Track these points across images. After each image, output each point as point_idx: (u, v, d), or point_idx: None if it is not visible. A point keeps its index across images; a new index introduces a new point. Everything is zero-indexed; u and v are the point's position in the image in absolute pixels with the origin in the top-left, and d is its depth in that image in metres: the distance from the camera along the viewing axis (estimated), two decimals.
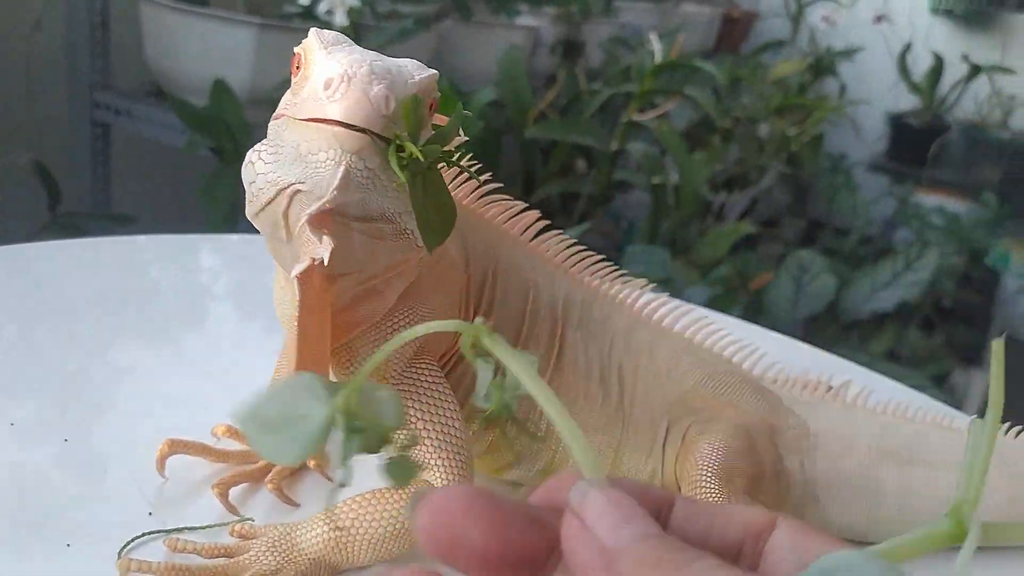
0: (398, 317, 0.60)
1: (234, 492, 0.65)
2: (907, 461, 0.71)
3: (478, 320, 0.29)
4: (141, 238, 1.17)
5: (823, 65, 3.72)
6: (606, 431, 0.69)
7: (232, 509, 0.63)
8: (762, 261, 3.12)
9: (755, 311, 2.68)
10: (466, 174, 0.69)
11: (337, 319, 0.57)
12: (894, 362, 2.54)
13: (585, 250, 0.76)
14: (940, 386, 2.63)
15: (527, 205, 0.74)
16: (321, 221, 0.50)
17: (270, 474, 0.66)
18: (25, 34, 2.19)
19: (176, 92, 2.18)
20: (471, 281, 0.67)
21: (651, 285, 0.77)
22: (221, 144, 2.02)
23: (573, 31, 3.60)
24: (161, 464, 0.65)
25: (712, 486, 0.62)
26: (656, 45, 2.67)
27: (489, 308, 0.68)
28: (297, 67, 0.53)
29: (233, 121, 2.02)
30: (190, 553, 0.57)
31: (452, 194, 0.69)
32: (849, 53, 3.71)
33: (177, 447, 0.66)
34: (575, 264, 0.75)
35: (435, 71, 0.54)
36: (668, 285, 2.07)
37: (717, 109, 3.18)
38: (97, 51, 2.45)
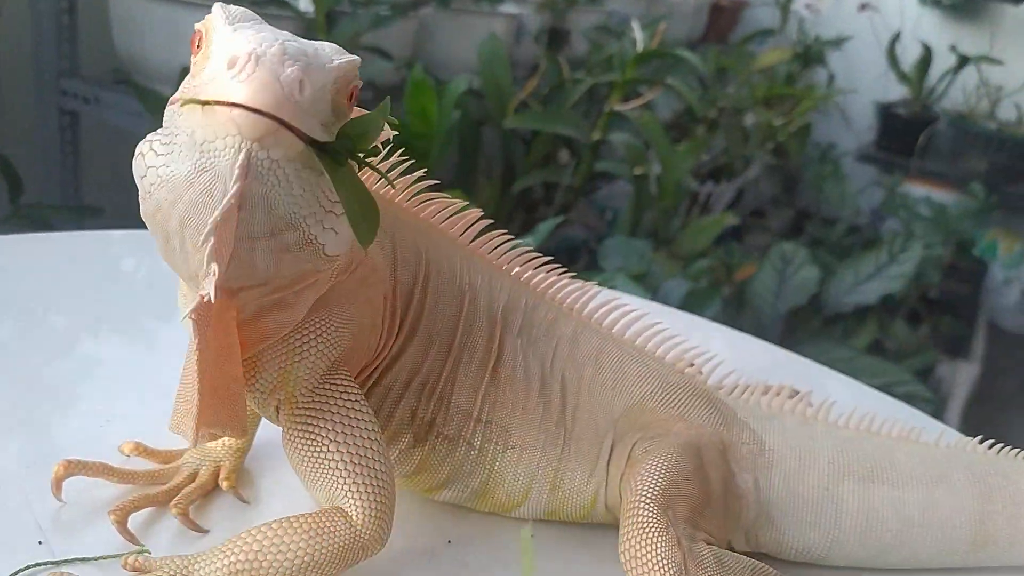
0: (308, 329, 0.54)
1: (139, 517, 0.60)
2: (870, 479, 0.67)
3: None
4: (116, 233, 1.12)
5: (811, 54, 3.67)
6: (544, 449, 0.64)
7: (131, 538, 0.57)
8: (749, 252, 3.08)
9: (737, 304, 2.64)
10: (397, 171, 0.64)
11: (241, 331, 0.52)
12: (878, 355, 2.50)
13: (531, 251, 0.71)
14: (925, 380, 2.59)
15: (466, 203, 0.69)
16: (227, 237, 0.44)
17: (176, 498, 0.61)
18: None
19: (144, 80, 2.12)
20: (398, 286, 0.62)
21: (601, 289, 0.72)
22: None
23: (558, 19, 3.54)
24: (57, 486, 0.60)
25: (650, 513, 0.57)
26: (638, 33, 2.62)
27: (418, 315, 0.63)
28: (198, 46, 0.47)
29: None
30: None
31: (383, 192, 0.64)
32: (838, 42, 3.67)
33: (75, 468, 0.60)
34: (520, 266, 0.70)
35: (356, 57, 0.48)
36: (646, 279, 2.02)
37: (702, 99, 3.13)
38: (64, 37, 2.38)
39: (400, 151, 0.62)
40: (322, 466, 0.53)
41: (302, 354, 0.54)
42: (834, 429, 0.69)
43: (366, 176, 0.63)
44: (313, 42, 0.47)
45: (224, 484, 0.64)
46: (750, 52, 3.56)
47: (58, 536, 0.57)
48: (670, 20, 3.74)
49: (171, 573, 0.52)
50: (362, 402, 0.55)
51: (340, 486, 0.53)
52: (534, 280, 0.70)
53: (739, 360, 0.78)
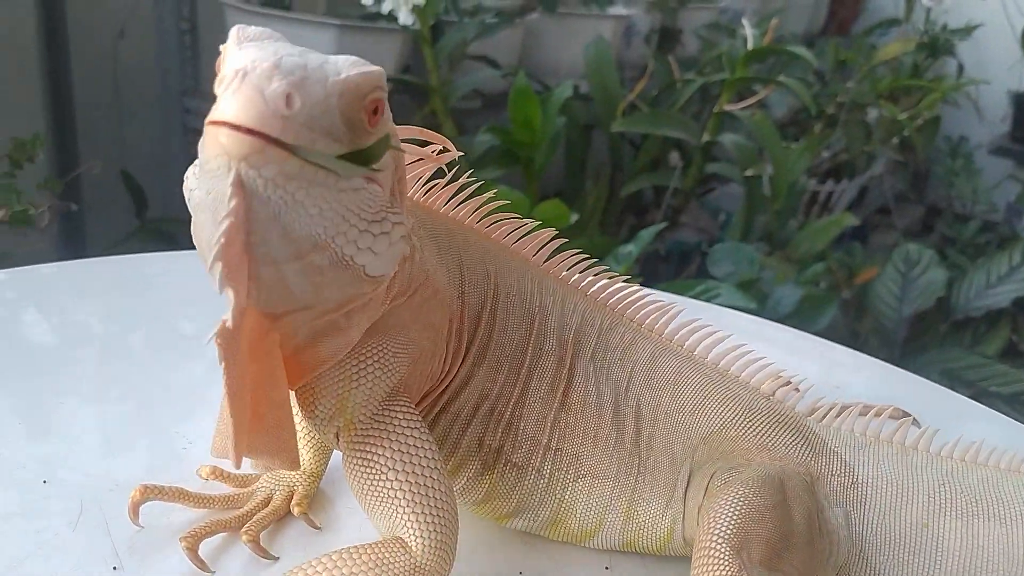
0: (365, 354, 0.53)
1: (213, 543, 0.61)
2: (974, 514, 0.61)
3: None
4: None
5: (938, 44, 3.49)
6: (617, 478, 0.62)
7: (201, 565, 0.58)
8: (874, 252, 2.95)
9: (857, 309, 2.52)
10: (467, 192, 0.63)
11: (296, 358, 0.51)
12: (1010, 361, 2.34)
13: (608, 270, 0.69)
14: None
15: (540, 223, 0.67)
16: (236, 261, 0.42)
17: (247, 524, 0.62)
18: (110, 43, 2.23)
19: None
20: (465, 310, 0.60)
21: (683, 308, 0.69)
22: None
23: (669, 19, 3.48)
24: (134, 511, 0.61)
25: (721, 555, 0.53)
26: (749, 30, 2.54)
27: (487, 340, 0.61)
28: (218, 68, 0.45)
29: None
30: None
31: (452, 213, 0.63)
32: (967, 31, 3.46)
33: (151, 493, 0.62)
34: (595, 286, 0.67)
35: (376, 68, 0.45)
36: (756, 285, 1.95)
37: (820, 95, 3.02)
38: (186, 57, 2.49)
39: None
40: (381, 495, 0.52)
41: (358, 380, 0.53)
42: (936, 459, 0.64)
43: (433, 196, 0.62)
44: (331, 57, 0.45)
45: (295, 510, 0.64)
46: (871, 44, 3.40)
47: (132, 561, 0.59)
48: (787, 14, 3.63)
49: None
50: (422, 429, 0.54)
51: (400, 516, 0.52)
52: (611, 300, 0.67)
53: (840, 378, 0.73)
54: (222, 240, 0.41)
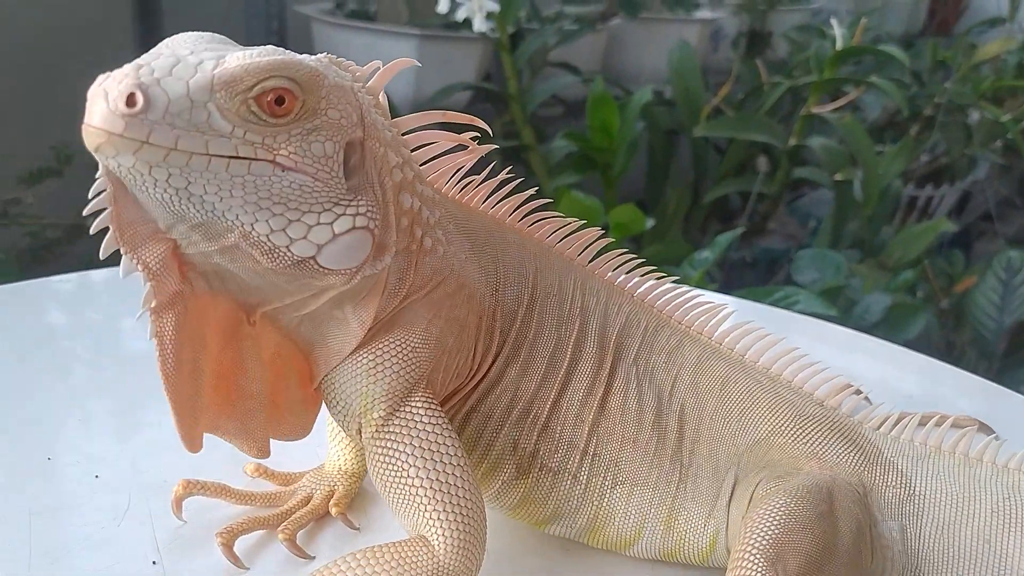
0: (383, 348, 0.53)
1: (247, 541, 0.61)
2: None
3: None
4: None
5: None
6: (657, 486, 0.60)
7: (236, 561, 0.59)
8: (976, 261, 2.82)
9: (954, 318, 2.42)
10: (506, 189, 0.62)
11: (310, 354, 0.54)
12: None
13: (658, 271, 0.67)
14: None
15: (584, 222, 0.66)
16: (137, 242, 0.47)
17: (284, 523, 0.62)
18: None
19: None
20: (499, 307, 0.59)
21: (733, 311, 0.67)
22: None
23: (757, 21, 3.41)
24: (177, 506, 0.62)
25: (754, 567, 0.51)
26: (838, 31, 2.46)
27: (521, 338, 0.60)
28: None
29: None
30: None
31: (491, 211, 0.62)
32: None
33: (194, 488, 0.63)
34: (643, 287, 0.65)
35: (273, 58, 0.45)
36: (840, 293, 1.89)
37: (917, 96, 2.91)
38: None
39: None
40: (404, 492, 0.52)
41: (376, 374, 0.53)
42: (1002, 472, 0.60)
43: (475, 194, 0.61)
44: (241, 53, 0.46)
45: (333, 510, 0.64)
46: (971, 43, 3.26)
47: (171, 556, 0.60)
48: (885, 14, 3.51)
49: None
50: (445, 426, 0.53)
51: (422, 514, 0.51)
52: (659, 301, 0.65)
53: (919, 388, 0.69)
54: (107, 222, 0.46)
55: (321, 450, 0.68)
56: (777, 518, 0.53)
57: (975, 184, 3.43)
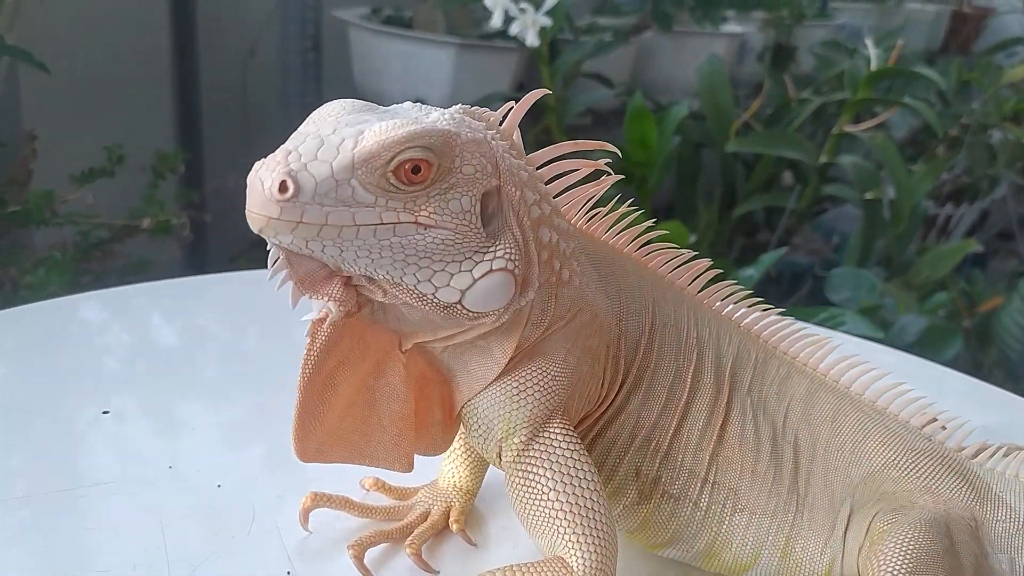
0: (525, 375, 0.56)
1: (373, 552, 0.63)
2: None
3: None
4: None
5: None
6: (775, 514, 0.62)
7: (367, 573, 0.61)
8: (995, 279, 2.84)
9: (980, 340, 2.43)
10: (627, 221, 0.64)
11: (453, 379, 0.57)
12: None
13: (762, 302, 0.69)
14: None
15: (696, 253, 0.68)
16: (312, 283, 0.51)
17: (411, 536, 0.64)
18: (240, 61, 2.33)
19: None
20: (623, 337, 0.61)
21: (838, 344, 0.69)
22: None
23: (783, 36, 3.43)
24: (304, 517, 0.64)
25: None
26: (872, 50, 2.49)
27: (644, 367, 0.62)
28: None
29: None
30: None
31: (611, 241, 0.64)
32: None
33: (321, 500, 0.65)
34: (749, 318, 0.67)
35: (407, 130, 0.49)
36: (877, 312, 1.91)
37: (943, 115, 2.93)
38: (310, 75, 2.57)
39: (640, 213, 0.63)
40: (543, 515, 0.54)
41: (519, 401, 0.55)
42: None
43: (600, 225, 0.63)
44: (362, 127, 0.49)
45: (454, 526, 0.66)
46: (997, 64, 3.28)
47: (303, 565, 0.62)
48: (906, 31, 3.53)
49: None
50: (582, 451, 0.55)
51: (561, 536, 0.53)
52: (765, 332, 0.67)
53: (995, 419, 0.72)
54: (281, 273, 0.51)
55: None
56: (908, 552, 0.55)
57: (994, 203, 3.46)
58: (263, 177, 0.47)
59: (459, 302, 0.51)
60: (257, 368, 0.90)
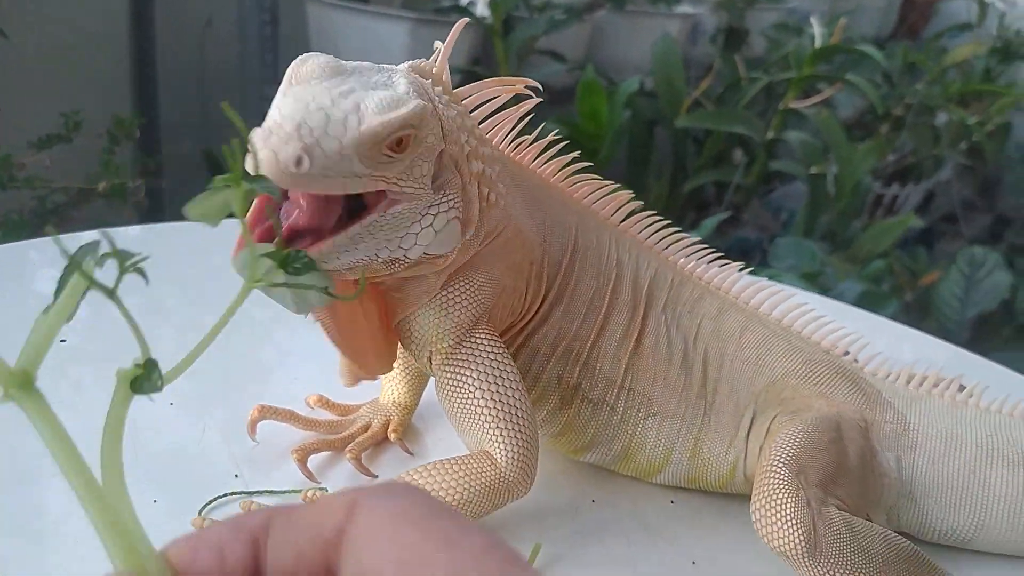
0: (455, 287, 0.60)
1: (315, 460, 0.68)
2: (1020, 463, 0.66)
3: None
4: None
5: (1011, 49, 3.45)
6: (685, 418, 0.67)
7: (310, 476, 0.65)
8: (938, 259, 2.94)
9: (920, 309, 2.52)
10: (555, 148, 0.69)
11: (390, 299, 0.60)
12: None
13: (679, 231, 0.74)
14: None
15: (618, 185, 0.73)
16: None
17: (351, 444, 0.69)
18: (198, 31, 2.34)
19: None
20: (547, 255, 0.66)
21: (748, 268, 0.74)
22: None
23: (735, 18, 3.50)
24: (252, 428, 0.68)
25: (781, 476, 0.59)
26: (817, 29, 2.56)
27: (565, 284, 0.67)
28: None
29: None
30: None
31: (539, 170, 0.69)
32: None
33: (267, 413, 0.69)
34: (668, 246, 0.73)
35: (406, 109, 0.51)
36: (817, 279, 1.98)
37: (888, 96, 3.02)
38: (267, 48, 2.59)
39: (565, 144, 0.67)
40: (469, 412, 0.59)
41: (448, 311, 0.60)
42: (985, 414, 0.69)
43: (526, 152, 0.68)
44: (364, 98, 0.50)
45: (392, 436, 0.71)
46: (942, 47, 3.37)
47: (250, 471, 0.66)
48: (857, 16, 3.62)
49: None
50: (504, 354, 0.61)
51: (486, 431, 0.59)
52: (681, 260, 0.73)
53: (913, 357, 0.78)
54: None
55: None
56: (797, 440, 0.61)
57: (939, 184, 3.56)
58: (276, 149, 0.48)
59: (424, 254, 0.55)
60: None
